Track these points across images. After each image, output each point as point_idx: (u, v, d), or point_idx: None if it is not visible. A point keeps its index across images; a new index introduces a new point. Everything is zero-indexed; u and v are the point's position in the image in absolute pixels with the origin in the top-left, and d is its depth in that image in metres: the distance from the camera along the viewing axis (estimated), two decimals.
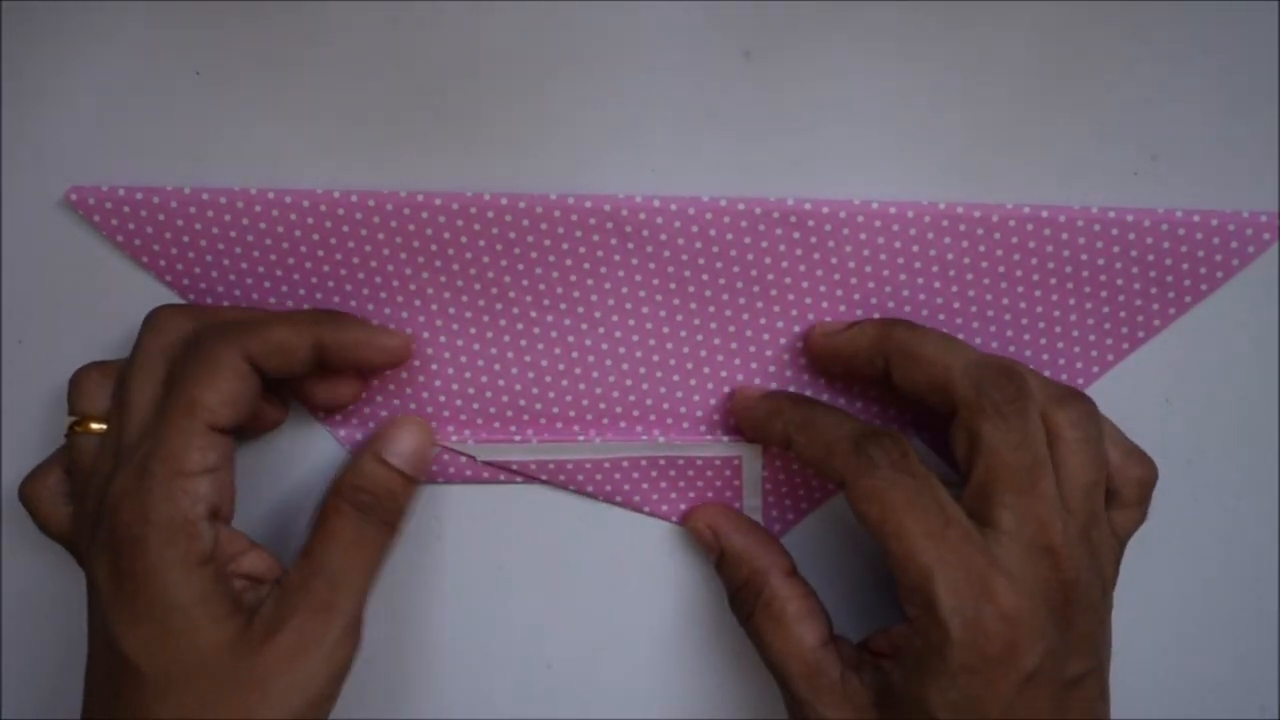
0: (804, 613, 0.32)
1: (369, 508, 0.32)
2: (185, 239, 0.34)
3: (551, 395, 0.35)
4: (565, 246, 0.34)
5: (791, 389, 0.35)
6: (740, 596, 0.33)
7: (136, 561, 0.29)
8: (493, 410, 0.35)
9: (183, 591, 0.29)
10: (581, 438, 0.35)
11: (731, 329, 0.35)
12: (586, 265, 0.34)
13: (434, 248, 0.34)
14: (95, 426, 0.32)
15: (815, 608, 0.32)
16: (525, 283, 0.34)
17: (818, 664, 0.31)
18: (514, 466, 0.35)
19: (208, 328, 0.32)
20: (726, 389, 0.35)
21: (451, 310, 0.35)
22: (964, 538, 0.29)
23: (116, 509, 0.29)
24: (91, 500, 0.31)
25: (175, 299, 0.35)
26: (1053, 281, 0.34)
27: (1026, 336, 0.35)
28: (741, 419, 0.34)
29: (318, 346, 0.32)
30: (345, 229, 0.34)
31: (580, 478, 0.36)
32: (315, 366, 0.32)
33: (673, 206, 0.34)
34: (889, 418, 0.35)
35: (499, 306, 0.35)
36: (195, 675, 0.29)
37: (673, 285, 0.34)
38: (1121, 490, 0.32)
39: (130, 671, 0.29)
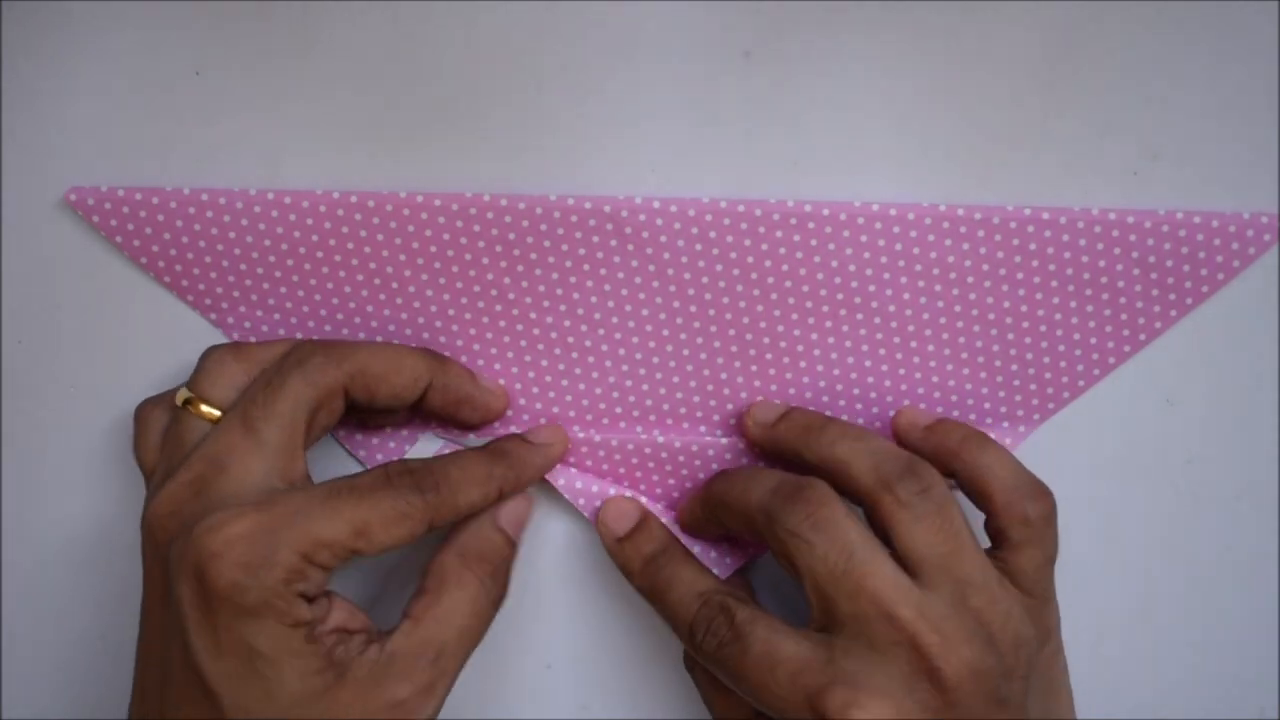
0: None
1: (489, 580, 0.32)
2: (185, 239, 0.34)
3: (551, 395, 0.35)
4: (565, 247, 0.34)
5: (792, 391, 0.35)
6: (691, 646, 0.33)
7: (230, 604, 0.28)
8: None
9: (274, 646, 0.28)
10: (581, 437, 0.35)
11: (732, 331, 0.35)
12: (586, 265, 0.34)
13: (434, 248, 0.34)
14: (209, 412, 0.31)
15: None
16: (525, 283, 0.34)
17: None
18: None
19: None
20: (727, 390, 0.35)
21: (451, 311, 0.35)
22: (797, 674, 0.29)
23: (228, 545, 0.28)
24: (180, 490, 0.30)
25: (174, 299, 0.35)
26: (1054, 283, 0.34)
27: (1028, 339, 0.35)
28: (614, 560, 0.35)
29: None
30: (345, 229, 0.34)
31: None
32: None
33: (673, 207, 0.34)
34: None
35: (499, 307, 0.35)
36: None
37: (672, 286, 0.34)
38: (1009, 532, 0.31)
39: (208, 696, 0.28)
